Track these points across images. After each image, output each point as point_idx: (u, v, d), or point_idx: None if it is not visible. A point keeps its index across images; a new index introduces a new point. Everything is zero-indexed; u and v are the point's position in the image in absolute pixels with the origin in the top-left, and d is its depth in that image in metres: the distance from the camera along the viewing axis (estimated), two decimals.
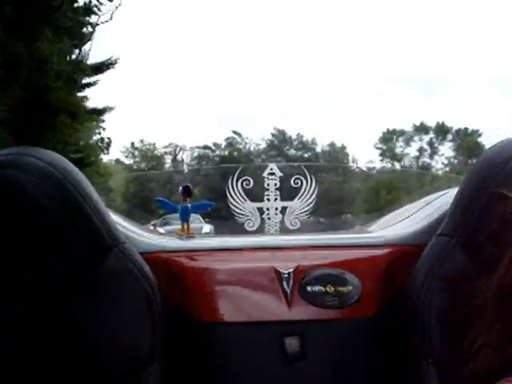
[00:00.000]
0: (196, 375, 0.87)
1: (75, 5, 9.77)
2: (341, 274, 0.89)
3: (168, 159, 37.22)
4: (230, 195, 1.32)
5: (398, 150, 35.69)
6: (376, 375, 0.86)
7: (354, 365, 0.85)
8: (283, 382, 0.84)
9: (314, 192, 1.34)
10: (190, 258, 0.94)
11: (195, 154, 35.71)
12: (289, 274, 0.89)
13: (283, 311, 0.86)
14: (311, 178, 1.34)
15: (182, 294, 0.88)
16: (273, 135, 35.41)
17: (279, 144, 34.87)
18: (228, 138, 35.56)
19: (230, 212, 1.32)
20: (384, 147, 35.74)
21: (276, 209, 1.34)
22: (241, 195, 1.32)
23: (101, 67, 12.58)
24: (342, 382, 0.84)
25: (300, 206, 1.33)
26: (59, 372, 0.75)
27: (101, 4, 10.22)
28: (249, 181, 1.35)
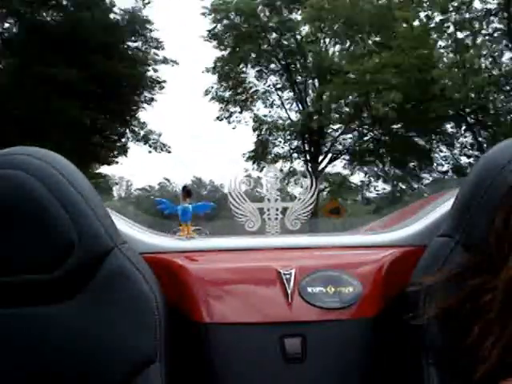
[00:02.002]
0: (196, 375, 0.86)
1: None
2: (341, 274, 0.89)
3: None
4: (231, 195, 1.32)
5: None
6: (377, 376, 0.85)
7: (354, 366, 0.84)
8: (284, 383, 0.83)
9: (314, 193, 1.33)
10: (190, 259, 0.94)
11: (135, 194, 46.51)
12: (289, 274, 0.89)
13: (284, 312, 0.85)
14: (312, 179, 1.34)
15: (182, 295, 0.88)
16: (192, 181, 46.33)
17: (197, 188, 46.24)
18: (160, 183, 46.28)
19: (231, 212, 1.32)
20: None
21: (277, 209, 1.34)
22: (241, 195, 1.32)
23: None
24: (342, 383, 0.84)
25: (300, 206, 1.33)
26: (60, 373, 0.75)
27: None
28: (249, 181, 1.35)
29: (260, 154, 16.01)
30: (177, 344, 0.83)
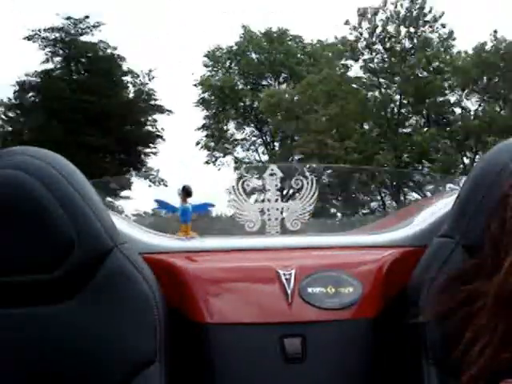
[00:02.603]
0: (196, 375, 0.86)
1: None
2: (341, 275, 0.89)
3: None
4: (231, 196, 1.32)
5: None
6: (376, 376, 0.85)
7: (354, 366, 0.84)
8: (283, 383, 0.83)
9: (314, 193, 1.33)
10: (189, 259, 0.94)
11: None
12: (289, 275, 0.88)
13: (284, 312, 0.85)
14: (312, 179, 1.34)
15: (181, 295, 0.88)
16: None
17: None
18: (153, 209, 52.45)
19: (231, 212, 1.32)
20: None
21: (277, 210, 1.33)
22: (241, 196, 1.32)
23: None
24: (342, 383, 0.84)
25: (301, 206, 1.32)
26: (59, 373, 0.75)
27: None
28: (249, 181, 1.34)
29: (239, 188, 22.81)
30: (177, 344, 0.83)
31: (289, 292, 0.87)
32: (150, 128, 20.35)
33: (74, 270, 0.76)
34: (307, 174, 1.34)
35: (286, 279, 0.88)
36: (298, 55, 22.30)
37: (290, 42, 22.40)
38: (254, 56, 22.58)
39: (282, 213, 1.34)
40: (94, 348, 0.76)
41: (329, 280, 0.88)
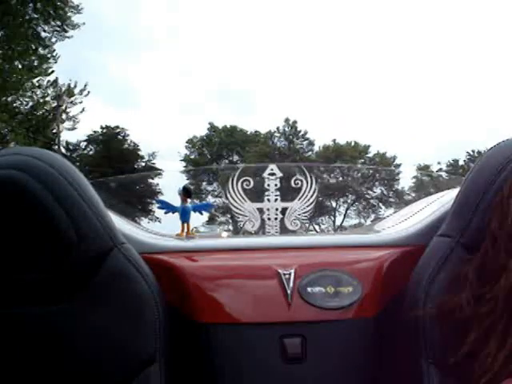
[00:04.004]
0: (196, 375, 0.86)
1: None
2: (341, 274, 0.89)
3: None
4: (230, 196, 1.32)
5: None
6: (377, 376, 0.85)
7: (354, 365, 0.84)
8: (283, 383, 0.83)
9: (314, 193, 1.33)
10: (189, 259, 0.94)
11: None
12: (289, 274, 0.88)
13: (283, 312, 0.85)
14: (311, 179, 1.34)
15: (181, 295, 0.88)
16: None
17: None
18: None
19: (231, 212, 1.32)
20: None
21: (276, 209, 1.33)
22: (241, 196, 1.32)
23: None
24: (342, 383, 0.84)
25: (300, 206, 1.32)
26: (59, 373, 0.75)
27: None
28: (249, 181, 1.35)
29: (212, 222, 31.37)
30: (177, 344, 0.83)
31: (288, 292, 0.87)
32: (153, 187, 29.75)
33: (73, 270, 0.76)
34: (307, 173, 1.34)
35: (286, 279, 0.88)
36: (241, 141, 36.58)
37: (238, 134, 36.56)
38: (216, 141, 37.01)
39: (281, 212, 1.34)
40: (94, 348, 0.76)
41: (328, 280, 0.88)
